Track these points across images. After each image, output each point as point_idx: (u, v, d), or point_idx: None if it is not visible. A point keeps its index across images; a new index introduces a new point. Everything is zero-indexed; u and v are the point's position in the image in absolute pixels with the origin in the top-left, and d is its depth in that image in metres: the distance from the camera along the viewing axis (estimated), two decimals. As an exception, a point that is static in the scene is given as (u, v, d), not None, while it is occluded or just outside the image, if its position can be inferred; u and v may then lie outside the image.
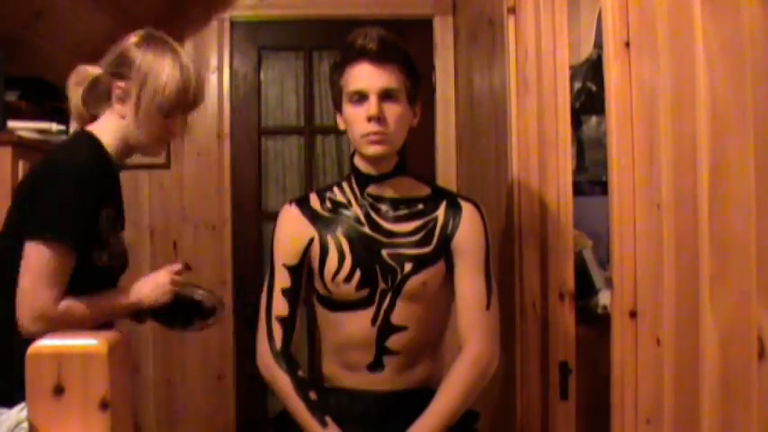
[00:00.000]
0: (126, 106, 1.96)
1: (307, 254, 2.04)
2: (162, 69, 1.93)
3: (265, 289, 2.05)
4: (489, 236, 2.06)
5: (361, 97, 1.95)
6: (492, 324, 2.02)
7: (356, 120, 1.95)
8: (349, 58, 1.97)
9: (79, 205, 1.83)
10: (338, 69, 2.01)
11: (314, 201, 2.08)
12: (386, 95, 1.95)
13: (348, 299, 2.01)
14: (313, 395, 1.97)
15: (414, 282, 1.99)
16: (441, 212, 2.05)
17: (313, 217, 2.06)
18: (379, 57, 1.94)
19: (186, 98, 1.98)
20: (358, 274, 2.00)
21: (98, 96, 2.01)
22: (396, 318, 2.00)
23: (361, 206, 2.04)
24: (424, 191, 2.09)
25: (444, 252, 2.02)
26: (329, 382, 2.08)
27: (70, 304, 1.83)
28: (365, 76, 1.95)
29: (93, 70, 1.99)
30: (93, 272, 1.91)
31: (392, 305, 2.00)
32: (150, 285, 1.99)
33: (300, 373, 2.00)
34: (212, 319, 2.15)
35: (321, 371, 2.12)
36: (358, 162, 2.04)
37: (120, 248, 2.03)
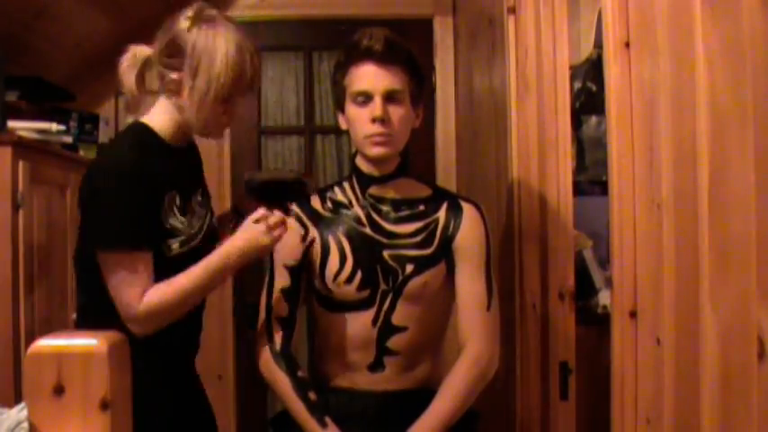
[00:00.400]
0: (181, 94, 1.86)
1: (307, 254, 2.04)
2: (215, 56, 1.82)
3: (265, 289, 2.05)
4: (490, 237, 2.06)
5: (365, 98, 1.95)
6: (492, 325, 2.02)
7: (360, 120, 1.95)
8: (354, 57, 1.97)
9: (130, 205, 1.77)
10: (342, 69, 2.01)
11: (314, 200, 2.08)
12: (390, 97, 1.95)
13: (349, 300, 2.01)
14: (313, 395, 1.97)
15: (415, 283, 1.99)
16: (442, 214, 2.05)
17: (314, 217, 2.06)
18: (385, 58, 1.94)
19: (243, 83, 1.88)
20: (359, 274, 2.00)
21: (152, 78, 1.94)
22: (396, 318, 2.00)
23: (362, 207, 2.04)
24: (425, 192, 2.09)
25: (445, 253, 2.02)
26: (329, 382, 2.08)
27: (148, 295, 1.78)
28: (370, 77, 1.95)
29: (145, 51, 1.90)
30: (168, 263, 1.84)
31: (393, 306, 2.00)
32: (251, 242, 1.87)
33: (300, 373, 2.00)
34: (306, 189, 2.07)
35: (320, 371, 2.11)
36: (360, 162, 2.04)
37: (197, 228, 1.93)
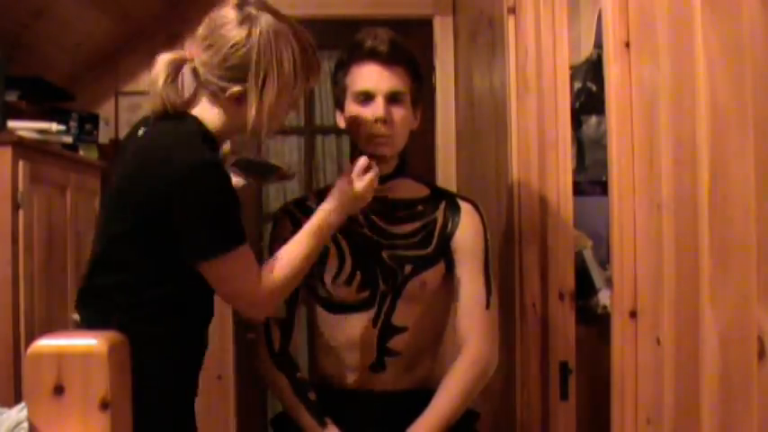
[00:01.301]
0: (244, 106, 1.74)
1: None
2: (283, 63, 1.73)
3: None
4: (489, 236, 2.06)
5: (367, 97, 1.96)
6: (491, 324, 2.03)
7: (361, 120, 1.96)
8: (357, 57, 1.98)
9: (231, 202, 1.71)
10: (344, 67, 2.01)
11: (312, 202, 2.07)
12: (392, 98, 1.96)
13: (348, 301, 2.01)
14: (312, 396, 1.97)
15: (414, 283, 2.00)
16: (440, 213, 2.05)
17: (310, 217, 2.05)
18: (389, 59, 1.95)
19: (311, 80, 1.83)
20: (359, 275, 2.00)
21: (189, 85, 1.82)
22: (396, 319, 2.00)
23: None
24: (424, 192, 2.09)
25: (444, 252, 2.03)
26: (329, 383, 2.07)
27: (264, 275, 1.76)
28: (374, 77, 1.95)
29: (177, 57, 1.77)
30: None
31: (393, 306, 2.00)
32: (343, 201, 1.87)
33: (299, 374, 2.00)
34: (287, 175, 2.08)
35: (320, 372, 2.11)
36: (358, 163, 2.05)
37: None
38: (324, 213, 1.86)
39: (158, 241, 1.68)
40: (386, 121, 1.94)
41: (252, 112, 1.73)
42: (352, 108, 1.98)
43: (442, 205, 2.06)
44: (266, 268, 1.77)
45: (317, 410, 1.95)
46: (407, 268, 2.00)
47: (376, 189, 2.00)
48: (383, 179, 2.00)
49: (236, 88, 1.73)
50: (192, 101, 1.79)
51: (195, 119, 1.76)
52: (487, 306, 2.02)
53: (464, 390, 1.97)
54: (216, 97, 1.76)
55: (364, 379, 2.03)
